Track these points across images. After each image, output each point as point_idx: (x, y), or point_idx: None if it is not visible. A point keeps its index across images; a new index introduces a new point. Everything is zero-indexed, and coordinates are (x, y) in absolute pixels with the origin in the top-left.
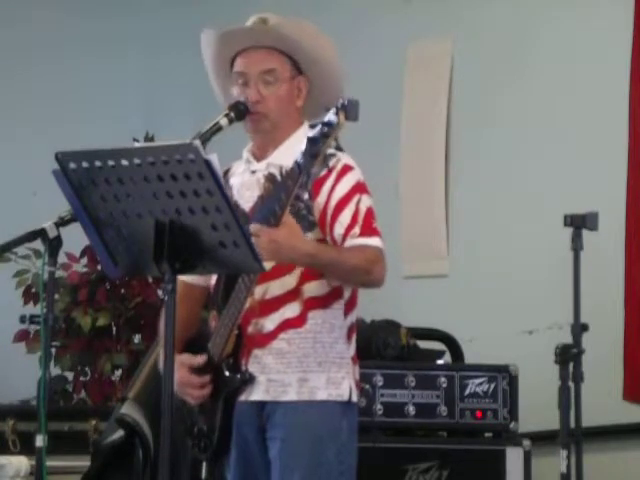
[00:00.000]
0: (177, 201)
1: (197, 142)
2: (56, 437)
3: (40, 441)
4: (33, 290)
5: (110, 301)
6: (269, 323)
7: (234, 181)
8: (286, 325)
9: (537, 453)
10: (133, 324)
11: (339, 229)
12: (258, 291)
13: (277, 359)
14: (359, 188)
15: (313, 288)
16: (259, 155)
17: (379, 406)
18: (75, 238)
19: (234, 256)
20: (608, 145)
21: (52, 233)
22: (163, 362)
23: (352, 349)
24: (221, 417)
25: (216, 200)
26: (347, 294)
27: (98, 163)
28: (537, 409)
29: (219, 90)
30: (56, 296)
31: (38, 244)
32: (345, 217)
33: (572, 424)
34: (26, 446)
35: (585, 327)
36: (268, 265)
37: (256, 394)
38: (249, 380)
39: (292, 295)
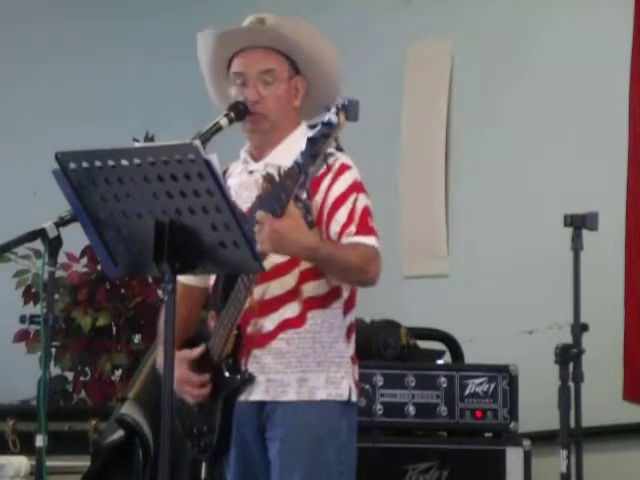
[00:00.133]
0: (177, 201)
1: (197, 142)
2: (56, 437)
3: (40, 441)
4: (33, 290)
5: (110, 301)
6: (268, 323)
7: (232, 182)
8: (285, 325)
9: (537, 453)
10: (133, 324)
11: (335, 227)
12: (257, 291)
13: (276, 359)
14: (356, 187)
15: (312, 288)
16: (257, 155)
17: (379, 406)
18: (75, 238)
19: (234, 256)
20: (608, 145)
21: (52, 233)
22: (163, 362)
23: (351, 349)
24: (221, 417)
25: (216, 200)
26: (346, 294)
27: (98, 163)
28: (537, 409)
29: (214, 91)
30: (56, 296)
31: (38, 244)
32: (341, 215)
33: (572, 424)
34: (26, 446)
35: (585, 327)
36: (268, 265)
37: (256, 394)
38: (249, 380)
39: (291, 295)
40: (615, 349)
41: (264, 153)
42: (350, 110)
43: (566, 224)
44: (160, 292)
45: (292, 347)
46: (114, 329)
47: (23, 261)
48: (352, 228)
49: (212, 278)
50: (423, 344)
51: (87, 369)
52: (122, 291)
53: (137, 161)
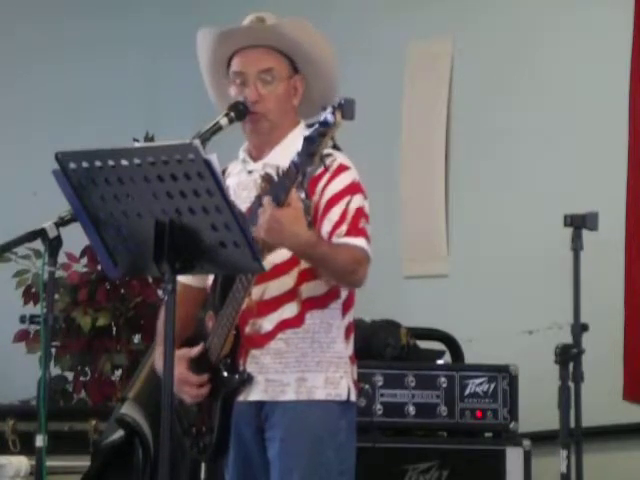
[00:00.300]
0: (177, 201)
1: (197, 142)
2: (56, 437)
3: (40, 441)
4: (33, 290)
5: (110, 301)
6: (267, 323)
7: (230, 181)
8: (284, 325)
9: (537, 453)
10: (133, 324)
11: (327, 226)
12: (256, 291)
13: (275, 359)
14: (352, 188)
15: (311, 288)
16: (255, 155)
17: (379, 406)
18: (75, 238)
19: (234, 256)
20: (608, 145)
21: (52, 233)
22: (163, 362)
23: (350, 349)
24: (220, 417)
25: (216, 200)
26: (344, 294)
27: (98, 163)
28: (537, 409)
29: (213, 90)
30: (56, 296)
31: (38, 244)
32: (334, 215)
33: (572, 424)
34: (26, 446)
35: (585, 327)
36: (267, 265)
37: (254, 394)
38: (247, 380)
39: (290, 295)
40: (615, 349)
41: (263, 153)
42: (346, 109)
43: (566, 224)
44: (160, 292)
45: (291, 347)
46: (114, 329)
47: (23, 261)
48: (343, 228)
49: (210, 278)
50: (423, 344)
51: (87, 369)
52: (122, 291)
53: (137, 161)
